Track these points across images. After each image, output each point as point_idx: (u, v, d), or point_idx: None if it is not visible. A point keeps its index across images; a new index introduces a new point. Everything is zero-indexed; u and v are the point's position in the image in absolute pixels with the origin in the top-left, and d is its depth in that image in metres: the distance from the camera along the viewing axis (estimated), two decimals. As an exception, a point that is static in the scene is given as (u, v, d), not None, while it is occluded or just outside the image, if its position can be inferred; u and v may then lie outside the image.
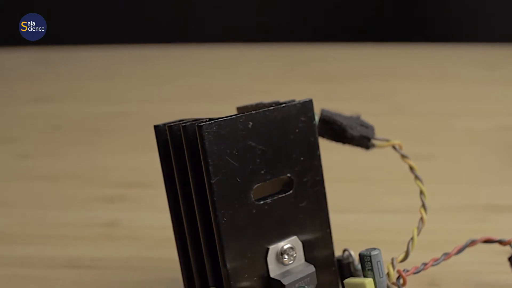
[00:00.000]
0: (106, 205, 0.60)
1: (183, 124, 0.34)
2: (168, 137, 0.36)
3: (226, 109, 0.44)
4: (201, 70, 1.12)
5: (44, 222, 0.57)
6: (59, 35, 1.18)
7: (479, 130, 0.76)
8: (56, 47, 1.14)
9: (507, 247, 0.41)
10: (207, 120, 0.34)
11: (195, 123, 0.34)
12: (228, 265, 0.34)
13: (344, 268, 0.40)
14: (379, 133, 0.41)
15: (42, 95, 1.00)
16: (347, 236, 0.45)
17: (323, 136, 0.41)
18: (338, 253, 0.40)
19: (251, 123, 0.35)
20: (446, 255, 0.40)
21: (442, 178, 0.61)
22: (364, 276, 0.36)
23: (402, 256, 0.38)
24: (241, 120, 0.34)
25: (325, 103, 0.41)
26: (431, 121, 0.80)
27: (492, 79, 0.98)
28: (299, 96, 0.39)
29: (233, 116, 0.34)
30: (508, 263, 0.42)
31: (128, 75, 1.12)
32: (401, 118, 0.81)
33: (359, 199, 0.58)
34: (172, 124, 0.36)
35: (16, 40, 0.96)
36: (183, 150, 0.35)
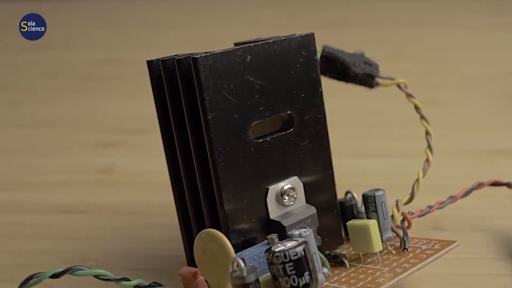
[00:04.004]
0: (101, 151, 0.59)
1: (177, 58, 0.33)
2: (162, 72, 0.34)
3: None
4: (202, 18, 1.10)
5: (38, 168, 0.56)
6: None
7: (484, 76, 0.74)
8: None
9: (515, 190, 0.40)
10: (203, 53, 0.32)
11: (190, 56, 0.32)
12: (225, 207, 0.33)
13: (346, 211, 0.38)
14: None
15: (39, 43, 0.98)
16: (349, 180, 0.44)
17: (325, 74, 0.39)
18: (340, 196, 0.39)
19: (249, 57, 0.33)
20: (452, 198, 0.38)
21: (447, 123, 0.60)
22: (368, 218, 0.35)
23: (407, 198, 0.37)
24: (238, 53, 0.33)
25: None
26: (435, 67, 0.79)
27: (498, 26, 0.96)
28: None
29: (230, 49, 0.33)
30: (515, 207, 0.41)
31: (127, 23, 1.10)
32: (404, 63, 0.80)
33: (362, 144, 0.57)
34: (166, 58, 0.34)
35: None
36: (177, 85, 0.33)
